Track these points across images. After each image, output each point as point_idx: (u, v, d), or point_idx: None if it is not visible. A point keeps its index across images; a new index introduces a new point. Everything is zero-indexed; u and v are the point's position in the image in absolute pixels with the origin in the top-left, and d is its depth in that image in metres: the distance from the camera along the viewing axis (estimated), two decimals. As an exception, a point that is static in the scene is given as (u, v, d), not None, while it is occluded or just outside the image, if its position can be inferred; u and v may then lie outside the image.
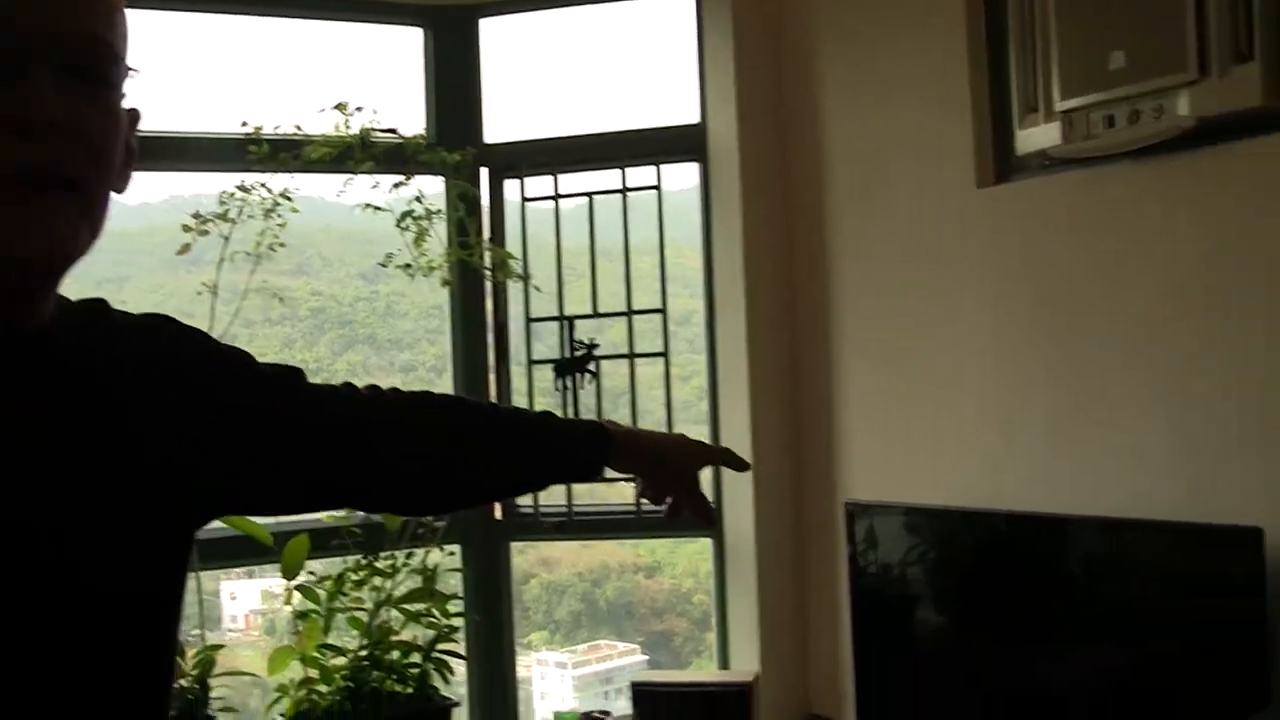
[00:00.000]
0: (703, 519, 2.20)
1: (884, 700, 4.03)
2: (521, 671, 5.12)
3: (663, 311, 4.73)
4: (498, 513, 4.82)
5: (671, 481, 2.15)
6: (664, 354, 4.73)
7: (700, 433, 4.70)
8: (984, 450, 3.93)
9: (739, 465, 2.33)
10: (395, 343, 5.21)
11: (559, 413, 4.44)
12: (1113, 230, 3.53)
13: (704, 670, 4.75)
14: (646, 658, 5.11)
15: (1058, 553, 3.55)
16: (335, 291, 5.20)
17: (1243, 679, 3.01)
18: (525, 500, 4.81)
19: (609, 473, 2.14)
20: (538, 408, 4.62)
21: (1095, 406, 3.59)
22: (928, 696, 3.94)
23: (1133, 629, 3.35)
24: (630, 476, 2.23)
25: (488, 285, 4.74)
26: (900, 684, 4.00)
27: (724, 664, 4.75)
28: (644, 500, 2.25)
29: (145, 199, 4.76)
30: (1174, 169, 3.36)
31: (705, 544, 4.81)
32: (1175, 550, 3.23)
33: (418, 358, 5.08)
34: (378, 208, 4.37)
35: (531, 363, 4.76)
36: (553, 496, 4.77)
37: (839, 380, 4.45)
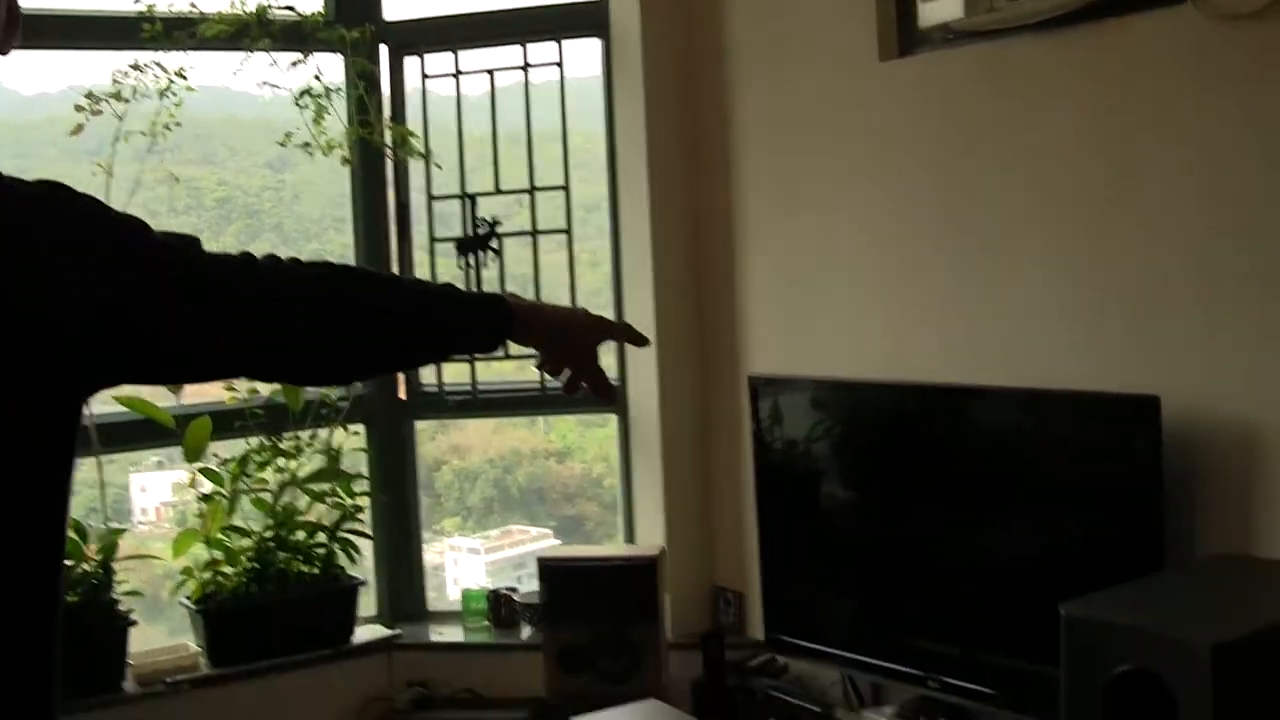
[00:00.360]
0: (601, 394, 2.20)
1: (788, 573, 4.07)
2: (434, 557, 5.14)
3: (565, 189, 4.72)
4: (401, 391, 4.82)
5: (571, 356, 2.14)
6: (567, 231, 4.71)
7: (606, 313, 4.68)
8: (886, 323, 3.96)
9: (639, 340, 2.34)
10: (302, 233, 5.16)
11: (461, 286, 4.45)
12: (1014, 102, 3.55)
13: (611, 546, 4.78)
14: (559, 542, 5.13)
15: (959, 423, 3.59)
16: (241, 181, 5.14)
17: (1139, 542, 3.07)
18: (429, 379, 4.82)
19: (513, 347, 2.14)
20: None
21: (996, 278, 3.62)
22: (832, 568, 3.99)
23: (1033, 497, 3.40)
24: (530, 351, 2.21)
25: (389, 164, 4.70)
26: (804, 557, 4.04)
27: (630, 539, 4.80)
28: (543, 373, 2.23)
29: (43, 89, 4.68)
30: (1075, 41, 3.37)
31: (615, 428, 4.83)
32: (1075, 418, 3.28)
33: (325, 247, 5.03)
34: (276, 86, 4.31)
35: (434, 241, 4.73)
36: (457, 374, 4.76)
37: (742, 255, 4.46)
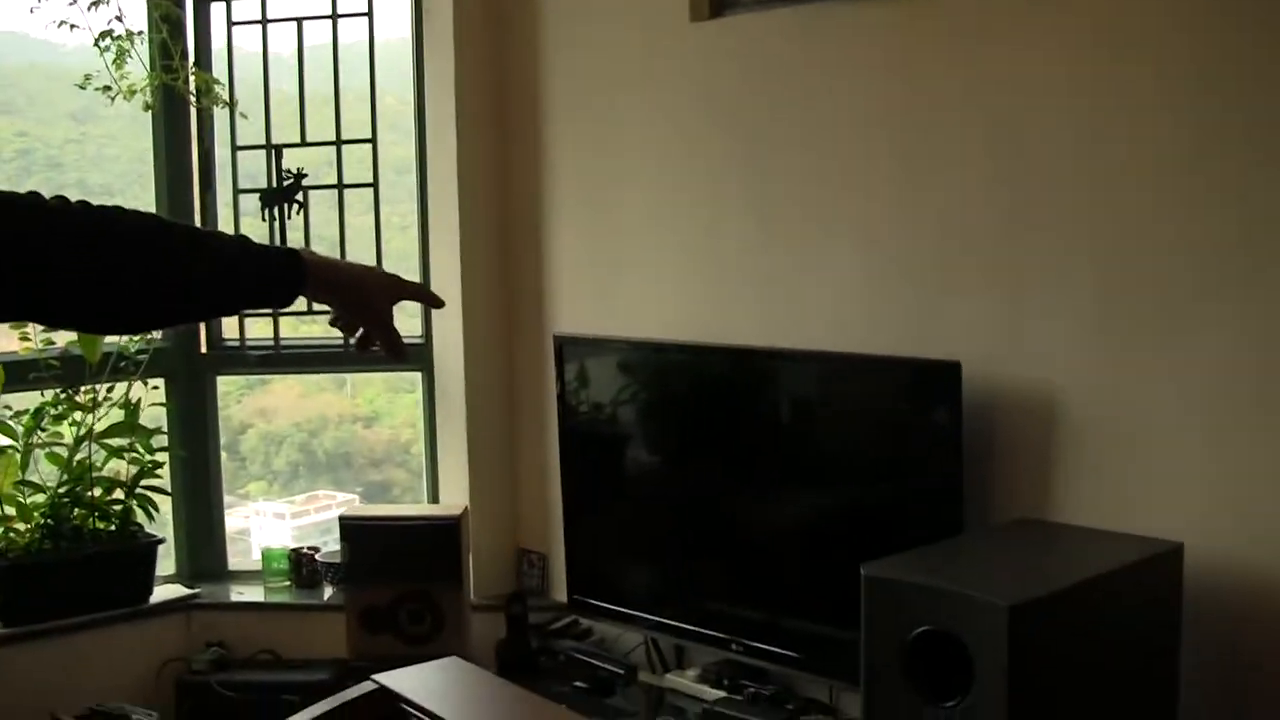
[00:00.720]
0: (393, 353, 2.16)
1: (592, 536, 4.06)
2: (240, 522, 5.05)
3: (373, 142, 4.63)
4: (202, 345, 4.71)
5: (364, 313, 2.10)
6: (374, 185, 4.63)
7: (413, 272, 4.64)
8: (693, 286, 3.96)
9: (435, 302, 2.31)
10: (106, 188, 5.01)
11: (265, 240, 4.35)
12: (824, 68, 3.56)
13: (414, 506, 4.72)
14: (365, 508, 5.07)
15: (764, 387, 3.60)
16: (42, 133, 4.97)
17: (940, 506, 3.11)
18: (231, 333, 4.72)
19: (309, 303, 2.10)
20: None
21: (804, 244, 3.63)
22: (636, 532, 3.99)
23: (836, 462, 3.43)
24: (325, 307, 2.17)
25: (192, 112, 4.57)
26: (608, 519, 4.04)
27: (434, 499, 4.75)
28: (337, 330, 2.19)
29: None
30: (885, 8, 3.38)
31: (421, 389, 4.77)
32: (878, 383, 3.31)
33: (129, 203, 4.89)
34: (74, 26, 4.17)
35: (238, 192, 4.62)
36: (260, 330, 4.67)
37: (551, 216, 4.43)
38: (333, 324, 2.15)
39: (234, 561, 4.86)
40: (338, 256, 4.33)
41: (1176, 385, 2.88)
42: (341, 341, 4.55)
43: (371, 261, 4.57)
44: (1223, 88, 2.77)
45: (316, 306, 2.33)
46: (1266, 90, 2.71)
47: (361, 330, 2.12)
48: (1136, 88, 2.92)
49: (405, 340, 2.16)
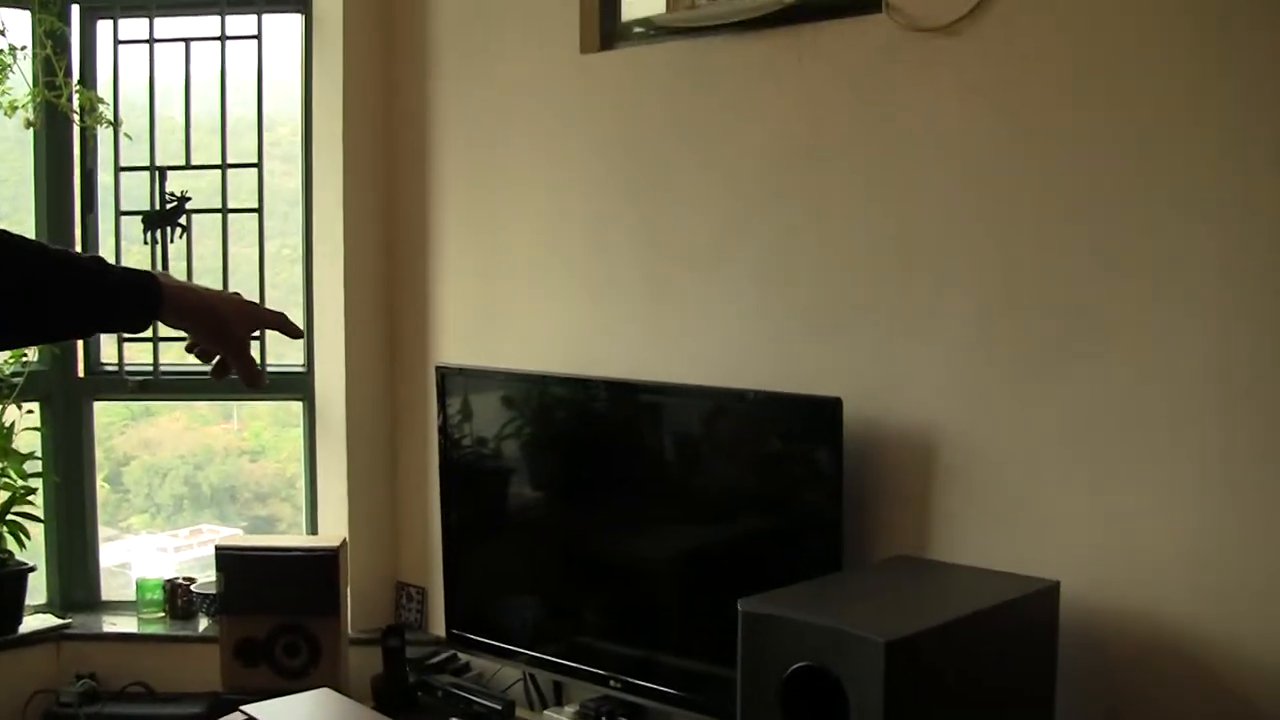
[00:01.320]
0: (249, 381, 2.11)
1: (471, 570, 4.02)
2: (121, 555, 4.95)
3: (258, 166, 4.58)
4: (79, 369, 4.62)
5: (221, 340, 2.06)
6: (259, 210, 4.58)
7: (297, 298, 4.60)
8: (579, 320, 3.94)
9: (293, 332, 2.26)
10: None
11: (147, 265, 4.29)
12: (711, 100, 3.56)
13: (292, 536, 4.66)
14: (250, 543, 5.00)
15: (645, 421, 3.58)
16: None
17: (819, 543, 3.10)
18: (110, 357, 4.63)
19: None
20: (124, 260, 4.45)
21: (687, 276, 3.63)
22: (515, 566, 3.95)
23: (717, 497, 3.41)
24: (181, 333, 2.12)
25: (76, 131, 4.49)
26: (487, 554, 4.00)
27: (313, 530, 4.68)
28: (193, 356, 2.14)
29: None
30: (773, 43, 3.39)
31: (301, 417, 4.71)
32: (760, 418, 3.30)
33: (8, 224, 4.79)
34: (-46, 40, 4.10)
35: (120, 214, 4.54)
36: (138, 354, 4.59)
37: (436, 245, 4.40)
38: (189, 350, 2.11)
39: (112, 594, 4.76)
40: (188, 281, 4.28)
41: (1054, 424, 2.90)
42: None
43: (254, 289, 4.52)
44: (1102, 133, 2.80)
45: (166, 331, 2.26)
46: (1144, 134, 2.73)
47: (218, 358, 2.08)
48: (1020, 131, 2.94)
49: (287, 369, 2.12)
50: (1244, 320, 2.61)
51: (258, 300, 4.11)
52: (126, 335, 4.36)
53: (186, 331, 2.04)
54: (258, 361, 2.10)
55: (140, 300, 1.95)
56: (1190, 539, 2.71)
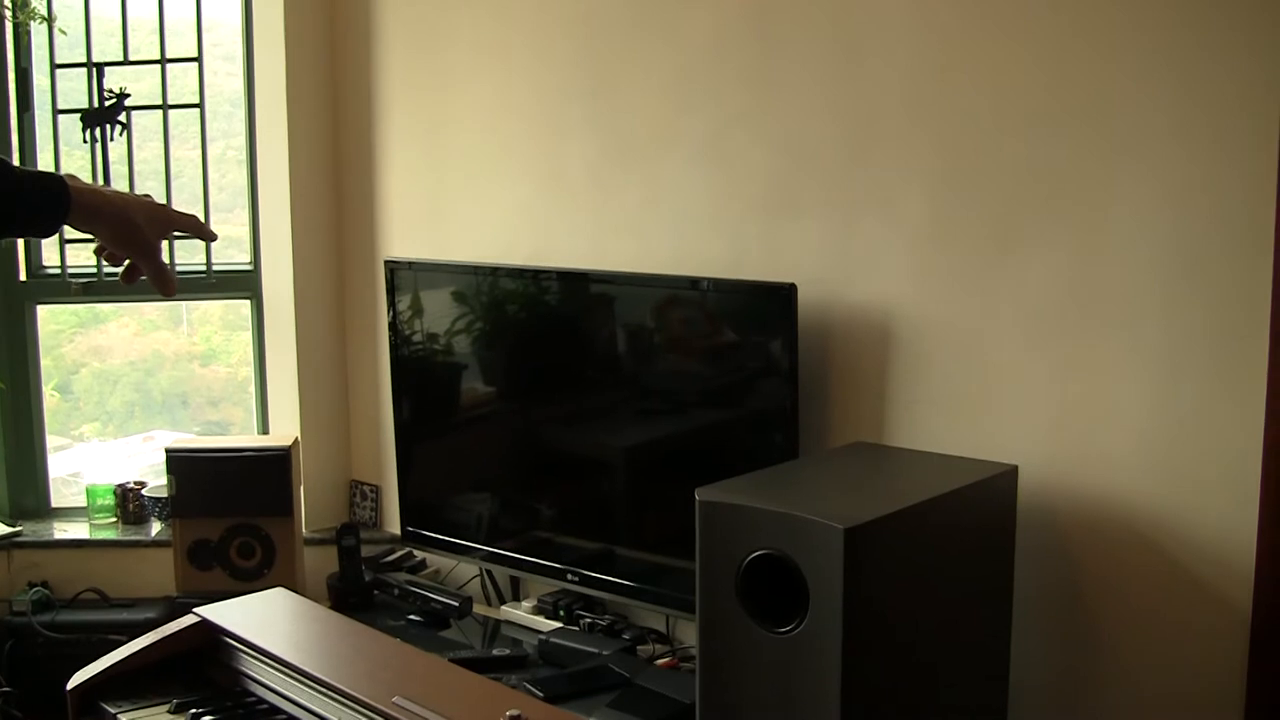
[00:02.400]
0: (160, 286, 2.06)
1: (425, 467, 4.00)
2: (74, 464, 4.89)
3: (199, 61, 4.48)
4: (21, 273, 4.54)
5: (131, 244, 2.01)
6: (200, 106, 4.49)
7: (237, 194, 4.53)
8: (526, 209, 3.90)
9: (206, 235, 2.21)
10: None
11: (89, 166, 4.21)
12: (659, -16, 3.50)
13: (243, 437, 4.61)
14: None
15: (599, 311, 3.54)
16: None
17: (776, 431, 3.08)
18: (52, 260, 4.54)
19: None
20: (64, 160, 4.37)
21: (636, 163, 3.59)
22: (469, 462, 3.93)
23: (673, 387, 3.39)
24: (90, 236, 2.06)
25: (8, 27, 4.38)
26: (441, 450, 3.98)
27: (264, 430, 4.64)
28: (102, 259, 2.08)
29: None
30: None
31: (250, 315, 4.65)
32: (715, 307, 3.27)
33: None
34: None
35: (57, 112, 4.45)
36: (82, 258, 4.51)
37: (382, 138, 4.34)
38: (97, 254, 2.05)
39: (64, 503, 4.72)
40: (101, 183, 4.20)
41: (1010, 309, 2.89)
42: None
43: (198, 190, 4.45)
44: (1058, 15, 2.76)
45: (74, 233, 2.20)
46: (1100, 12, 2.70)
47: (127, 262, 2.02)
48: (978, 15, 2.89)
49: (234, 268, 2.07)
50: (1194, 203, 2.60)
51: (201, 207, 4.05)
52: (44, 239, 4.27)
53: (96, 235, 1.99)
54: (169, 266, 2.03)
55: (48, 203, 1.89)
56: (1142, 419, 2.72)
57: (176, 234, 2.09)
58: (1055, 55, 2.77)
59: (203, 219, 4.35)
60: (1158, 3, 2.62)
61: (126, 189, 4.26)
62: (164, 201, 2.10)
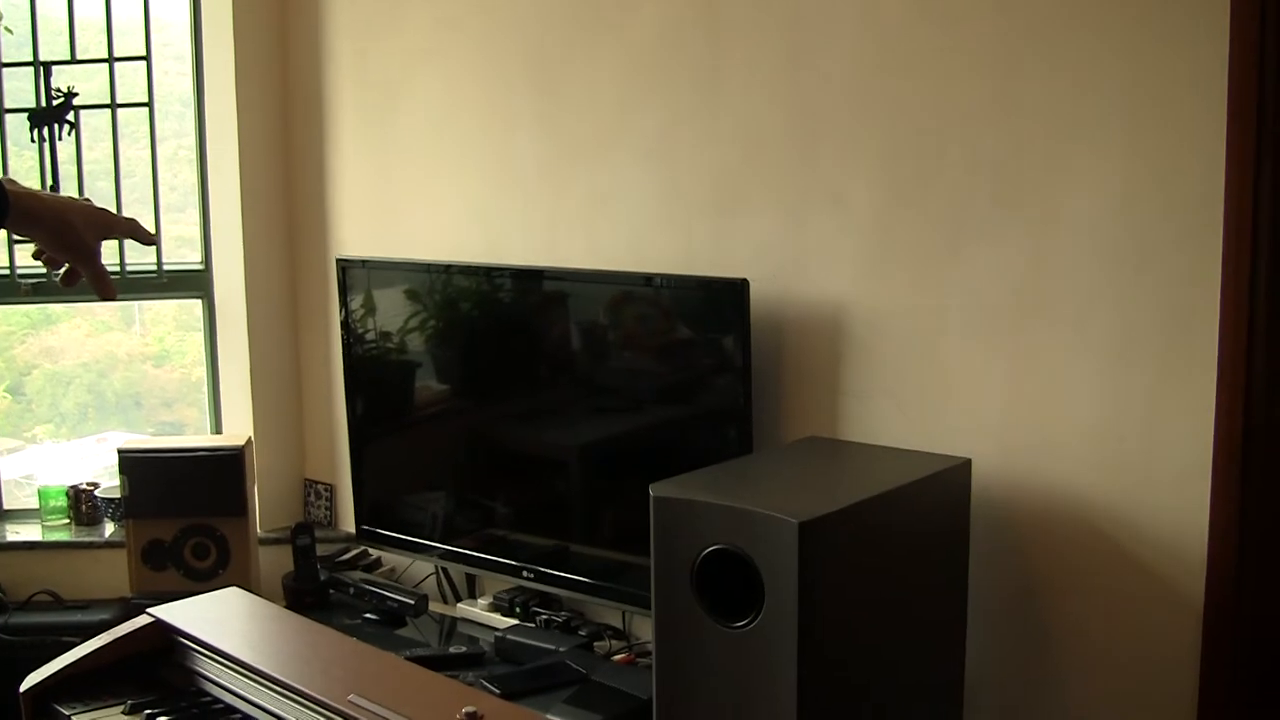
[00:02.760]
0: (99, 290, 2.06)
1: (379, 465, 3.99)
2: (27, 466, 4.86)
3: (147, 59, 4.45)
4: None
5: (70, 248, 2.00)
6: (149, 105, 4.45)
7: (189, 194, 4.51)
8: (476, 206, 3.90)
9: (145, 238, 2.20)
10: None
11: (37, 167, 4.18)
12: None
13: (196, 437, 4.59)
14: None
15: (553, 308, 3.54)
16: None
17: (730, 426, 3.09)
18: (1, 261, 4.49)
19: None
20: (12, 161, 4.33)
21: (588, 162, 3.59)
22: (424, 460, 3.93)
23: (628, 384, 3.39)
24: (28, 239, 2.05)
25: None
26: (396, 448, 3.97)
27: (217, 430, 4.62)
28: (40, 263, 2.07)
29: None
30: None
31: (201, 314, 4.62)
32: (668, 303, 3.27)
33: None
34: None
35: (4, 112, 4.40)
36: (27, 256, 4.47)
37: (333, 136, 4.33)
38: (36, 257, 2.05)
39: (16, 505, 4.68)
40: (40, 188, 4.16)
41: (961, 302, 2.90)
42: (118, 268, 4.40)
43: (148, 191, 4.43)
44: (1011, 16, 2.77)
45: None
46: (1051, 17, 2.71)
47: (67, 266, 2.02)
48: (925, 13, 2.90)
49: (185, 268, 2.06)
50: (1143, 195, 2.62)
51: (152, 207, 4.03)
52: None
53: (34, 240, 1.98)
54: (107, 270, 2.02)
55: None
56: (1093, 410, 2.74)
57: (116, 236, 2.08)
58: (1002, 51, 2.79)
59: (153, 219, 4.37)
60: (1098, 22, 2.65)
61: (76, 189, 4.24)
62: (110, 203, 2.09)
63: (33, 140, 4.35)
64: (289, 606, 3.89)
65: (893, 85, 2.96)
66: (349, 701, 1.99)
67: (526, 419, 3.63)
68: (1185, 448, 2.61)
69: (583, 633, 3.52)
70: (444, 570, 4.00)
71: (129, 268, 4.42)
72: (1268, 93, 2.45)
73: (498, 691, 3.14)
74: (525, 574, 3.59)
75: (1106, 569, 2.75)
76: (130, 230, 2.12)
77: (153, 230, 2.22)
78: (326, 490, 4.50)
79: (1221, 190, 2.51)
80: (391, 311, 3.87)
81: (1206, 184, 2.53)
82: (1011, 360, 2.84)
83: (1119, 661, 2.76)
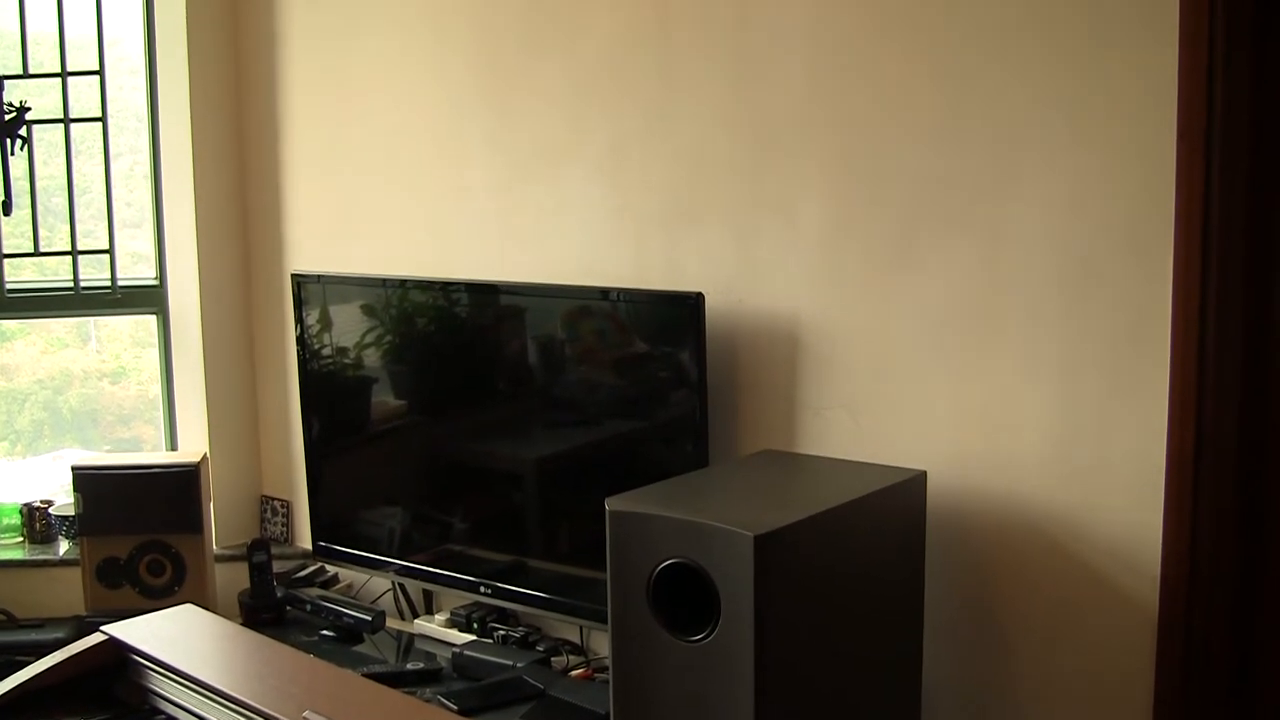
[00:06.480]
0: None
1: (336, 481, 3.98)
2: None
3: (100, 74, 4.42)
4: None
5: None
6: (102, 119, 4.43)
7: (145, 210, 4.49)
8: (431, 221, 3.90)
9: None
10: None
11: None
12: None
13: (151, 454, 4.56)
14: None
15: (508, 322, 3.55)
16: None
17: (685, 440, 3.09)
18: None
19: None
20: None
21: (540, 177, 3.60)
22: (380, 476, 3.92)
23: (583, 398, 3.39)
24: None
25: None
26: (351, 464, 3.96)
27: (173, 446, 4.59)
28: None
29: None
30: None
31: (155, 330, 4.61)
32: (623, 316, 3.27)
33: None
34: None
35: (-46, 128, 4.39)
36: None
37: (287, 152, 4.32)
38: None
39: (-26, 523, 4.64)
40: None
41: (913, 315, 2.91)
42: (71, 283, 4.38)
43: (102, 206, 4.40)
44: (959, 28, 2.79)
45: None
46: (999, 28, 2.73)
47: None
48: (874, 26, 2.92)
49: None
50: (1093, 205, 2.63)
51: (106, 223, 4.02)
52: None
53: None
54: None
55: None
56: (1046, 421, 2.75)
57: None
58: (950, 62, 2.80)
59: (108, 235, 4.34)
60: (1050, 3, 2.66)
61: (29, 204, 4.21)
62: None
63: (-15, 155, 4.33)
64: (245, 624, 3.88)
65: (843, 99, 2.97)
66: (304, 718, 1.99)
67: (482, 433, 3.63)
68: (1138, 458, 2.62)
69: (540, 648, 3.51)
70: (401, 586, 3.99)
71: (83, 284, 4.40)
72: (1217, 103, 2.47)
73: (455, 708, 3.13)
74: (482, 589, 3.58)
75: (1061, 579, 2.76)
76: None
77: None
78: (283, 506, 4.48)
79: (1171, 199, 2.52)
80: (347, 327, 3.86)
81: (1156, 194, 2.54)
82: (963, 371, 2.85)
83: (1075, 670, 2.77)
